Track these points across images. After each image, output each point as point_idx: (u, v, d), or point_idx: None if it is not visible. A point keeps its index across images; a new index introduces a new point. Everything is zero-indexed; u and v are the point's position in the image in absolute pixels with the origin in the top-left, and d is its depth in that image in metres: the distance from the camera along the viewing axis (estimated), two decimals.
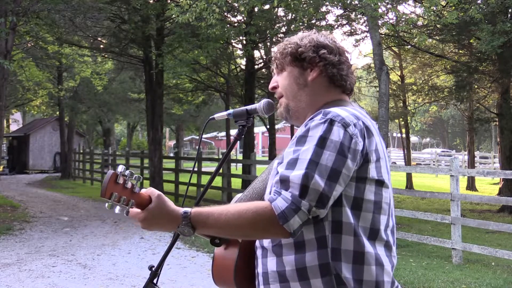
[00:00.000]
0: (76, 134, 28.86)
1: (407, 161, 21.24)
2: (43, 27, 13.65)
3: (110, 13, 13.54)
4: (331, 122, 1.45)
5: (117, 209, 1.46)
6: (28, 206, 13.51)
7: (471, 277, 6.55)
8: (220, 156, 29.61)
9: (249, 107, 1.73)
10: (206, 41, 12.01)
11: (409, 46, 17.67)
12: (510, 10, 13.76)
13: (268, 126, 17.87)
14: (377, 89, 12.48)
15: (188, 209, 1.50)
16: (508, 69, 13.77)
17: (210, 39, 11.85)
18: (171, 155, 29.91)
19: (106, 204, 1.45)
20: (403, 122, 22.35)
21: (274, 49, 1.71)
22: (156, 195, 1.51)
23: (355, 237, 1.46)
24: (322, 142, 1.43)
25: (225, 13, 13.02)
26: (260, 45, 16.01)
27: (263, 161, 15.53)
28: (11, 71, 14.26)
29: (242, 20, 14.08)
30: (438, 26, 13.62)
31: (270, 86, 1.72)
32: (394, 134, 48.85)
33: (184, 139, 45.52)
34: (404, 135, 22.38)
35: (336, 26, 14.63)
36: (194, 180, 14.92)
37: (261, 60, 17.02)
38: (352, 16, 14.00)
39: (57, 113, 26.99)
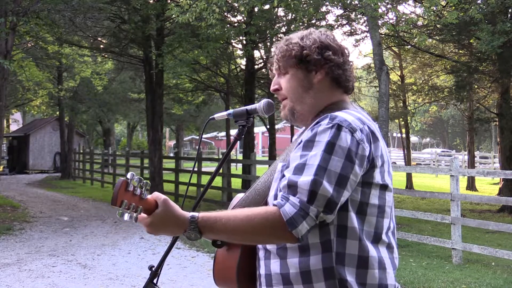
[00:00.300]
0: (76, 134, 28.85)
1: (407, 161, 21.24)
2: (43, 27, 13.64)
3: (110, 13, 13.54)
4: (338, 127, 1.45)
5: (126, 216, 1.46)
6: (28, 206, 13.51)
7: (471, 277, 6.55)
8: (220, 156, 29.61)
9: (249, 107, 1.73)
10: (206, 41, 12.01)
11: (409, 46, 17.67)
12: (510, 10, 13.77)
13: (268, 126, 17.87)
14: (377, 89, 12.48)
15: (195, 214, 1.49)
16: (508, 69, 13.77)
17: (210, 39, 11.85)
18: (171, 155, 29.91)
19: (117, 212, 1.45)
20: (403, 122, 22.36)
21: (274, 49, 1.69)
22: (162, 200, 1.50)
23: (359, 242, 1.47)
24: (330, 147, 1.43)
25: (225, 13, 13.02)
26: (260, 45, 16.01)
27: (263, 161, 15.53)
28: (11, 71, 14.25)
29: (242, 20, 14.08)
30: (438, 26, 13.62)
31: (272, 88, 1.70)
32: (394, 134, 48.86)
33: (184, 139, 45.53)
34: (404, 135, 22.38)
35: (336, 26, 14.63)
36: (194, 180, 14.91)
37: (261, 60, 17.02)
38: (352, 16, 14.00)
39: (57, 113, 26.99)
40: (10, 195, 15.88)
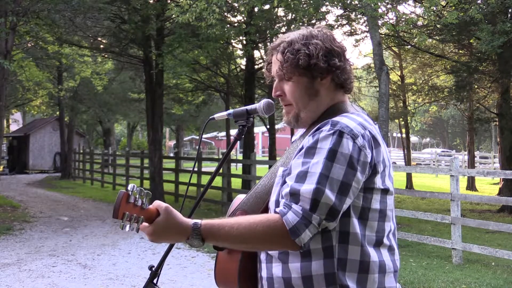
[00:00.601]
0: (76, 134, 28.86)
1: (407, 161, 21.24)
2: (43, 27, 13.63)
3: (110, 13, 13.52)
4: (340, 134, 1.44)
5: (128, 228, 1.46)
6: (28, 206, 13.51)
7: (471, 277, 6.56)
8: (220, 156, 29.61)
9: (249, 107, 1.72)
10: (206, 41, 12.00)
11: (409, 46, 17.67)
12: (510, 10, 13.77)
13: (268, 126, 17.86)
14: (377, 89, 12.48)
15: (198, 221, 1.49)
16: (508, 69, 13.77)
17: (210, 39, 11.84)
18: (171, 155, 29.91)
19: (119, 225, 1.46)
20: (403, 122, 22.35)
21: (278, 55, 1.63)
22: (164, 208, 1.50)
23: (361, 247, 1.47)
24: (332, 155, 1.43)
25: (225, 13, 13.03)
26: (260, 45, 15.99)
27: (263, 161, 15.54)
28: (11, 71, 14.26)
29: (242, 20, 14.08)
30: (438, 26, 13.62)
31: (275, 94, 1.67)
32: (394, 134, 48.85)
33: (184, 139, 45.51)
34: (404, 135, 22.37)
35: (336, 26, 14.62)
36: (194, 180, 14.91)
37: (261, 60, 17.01)
38: (352, 16, 14.00)
39: (57, 113, 27.00)
40: (10, 195, 15.88)
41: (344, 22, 14.89)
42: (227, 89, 18.22)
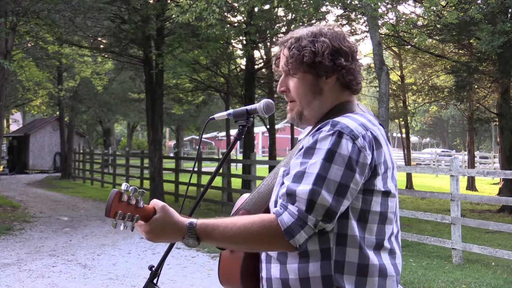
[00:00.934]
0: (76, 134, 28.86)
1: (407, 161, 21.24)
2: (43, 27, 13.63)
3: (110, 13, 13.52)
4: (339, 135, 1.42)
5: (122, 226, 1.46)
6: (28, 206, 13.51)
7: (471, 277, 6.56)
8: (220, 156, 29.61)
9: (249, 107, 1.72)
10: (206, 41, 12.00)
11: (409, 46, 17.67)
12: (510, 10, 13.77)
13: (268, 126, 17.86)
14: (377, 89, 12.48)
15: (193, 221, 1.48)
16: (508, 69, 13.77)
17: (210, 39, 11.84)
18: (171, 155, 29.91)
19: (111, 223, 1.46)
20: (403, 122, 22.36)
21: (282, 48, 1.64)
22: (161, 206, 1.50)
23: (360, 250, 1.45)
24: (330, 155, 1.41)
25: (225, 13, 13.03)
26: (260, 45, 16.00)
27: (263, 161, 15.52)
28: (11, 71, 14.26)
29: (242, 20, 14.07)
30: (438, 26, 13.62)
31: (279, 89, 1.66)
32: (394, 134, 48.82)
33: (184, 139, 45.51)
34: (404, 135, 22.38)
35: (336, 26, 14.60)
36: (194, 180, 14.91)
37: (261, 60, 17.02)
38: (352, 16, 13.99)
39: (57, 113, 27.00)
40: (10, 195, 15.88)
41: (344, 22, 14.87)
42: (227, 89, 18.21)
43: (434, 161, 34.35)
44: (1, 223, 10.42)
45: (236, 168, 25.99)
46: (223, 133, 32.01)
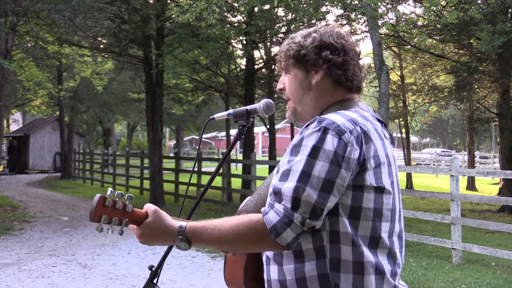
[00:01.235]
0: (76, 134, 28.86)
1: (407, 161, 21.25)
2: (43, 27, 13.63)
3: (110, 13, 13.51)
4: (324, 131, 1.41)
5: (109, 231, 1.47)
6: (28, 206, 13.51)
7: (471, 277, 6.56)
8: (220, 156, 29.60)
9: (249, 107, 1.72)
10: (206, 41, 12.00)
11: (409, 46, 17.67)
12: (510, 10, 13.77)
13: (268, 126, 17.85)
14: (377, 89, 12.47)
15: (183, 223, 1.49)
16: (508, 69, 13.77)
17: (210, 39, 11.84)
18: (171, 155, 29.91)
19: (96, 227, 1.46)
20: (403, 122, 22.37)
21: (280, 47, 1.66)
22: (153, 210, 1.51)
23: (353, 247, 1.42)
24: (315, 152, 1.39)
25: (225, 13, 13.02)
26: (260, 45, 15.99)
27: (263, 161, 15.52)
28: (11, 71, 14.25)
29: (242, 20, 14.06)
30: (438, 26, 13.62)
31: (278, 87, 1.68)
32: (394, 134, 48.73)
33: (184, 139, 45.52)
34: (404, 135, 22.38)
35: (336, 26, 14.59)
36: (194, 180, 14.91)
37: (261, 60, 17.01)
38: (352, 16, 13.99)
39: (57, 113, 27.00)
40: (10, 195, 15.88)
41: (344, 22, 14.87)
42: (227, 89, 18.21)
43: (434, 161, 34.35)
44: (1, 223, 10.42)
45: (236, 168, 25.99)
46: (223, 133, 32.01)
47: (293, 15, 12.95)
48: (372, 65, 17.20)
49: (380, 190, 1.46)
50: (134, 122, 36.98)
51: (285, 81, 1.65)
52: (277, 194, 1.40)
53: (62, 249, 8.07)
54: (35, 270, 6.70)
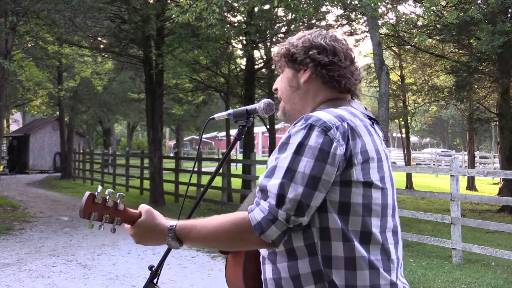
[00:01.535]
0: (76, 134, 28.86)
1: (407, 161, 21.24)
2: (43, 27, 13.62)
3: (110, 13, 13.51)
4: (310, 127, 1.42)
5: (101, 227, 1.49)
6: (28, 206, 13.50)
7: (471, 277, 6.56)
8: (220, 156, 29.60)
9: (249, 107, 1.73)
10: (206, 41, 12.00)
11: (409, 46, 17.68)
12: (510, 10, 13.77)
13: (268, 126, 17.86)
14: (377, 89, 12.47)
15: (173, 223, 1.50)
16: (508, 69, 13.77)
17: (210, 39, 11.84)
18: (171, 155, 29.91)
19: (86, 224, 1.48)
20: (403, 122, 22.37)
21: (275, 48, 1.72)
22: (146, 210, 1.53)
23: (344, 243, 1.42)
24: (300, 148, 1.40)
25: (225, 13, 13.02)
26: (260, 45, 15.98)
27: (263, 161, 15.48)
28: (11, 71, 14.25)
29: (242, 20, 14.06)
30: (438, 26, 13.63)
31: (274, 87, 1.71)
32: (394, 134, 48.83)
33: (184, 139, 45.51)
34: (404, 135, 22.38)
35: (336, 26, 14.62)
36: (194, 180, 14.91)
37: (261, 60, 17.01)
38: (352, 16, 14.00)
39: (57, 113, 27.00)
40: (10, 195, 15.88)
41: (344, 22, 14.88)
42: (227, 89, 18.21)
43: (434, 161, 34.35)
44: (1, 223, 10.42)
45: (236, 168, 25.99)
46: (223, 133, 32.01)
47: (293, 15, 12.95)
48: (372, 65, 17.21)
49: (368, 185, 1.45)
50: (134, 122, 36.98)
51: (278, 81, 1.68)
52: (263, 191, 1.41)
53: (62, 249, 8.07)
54: (35, 270, 6.70)
